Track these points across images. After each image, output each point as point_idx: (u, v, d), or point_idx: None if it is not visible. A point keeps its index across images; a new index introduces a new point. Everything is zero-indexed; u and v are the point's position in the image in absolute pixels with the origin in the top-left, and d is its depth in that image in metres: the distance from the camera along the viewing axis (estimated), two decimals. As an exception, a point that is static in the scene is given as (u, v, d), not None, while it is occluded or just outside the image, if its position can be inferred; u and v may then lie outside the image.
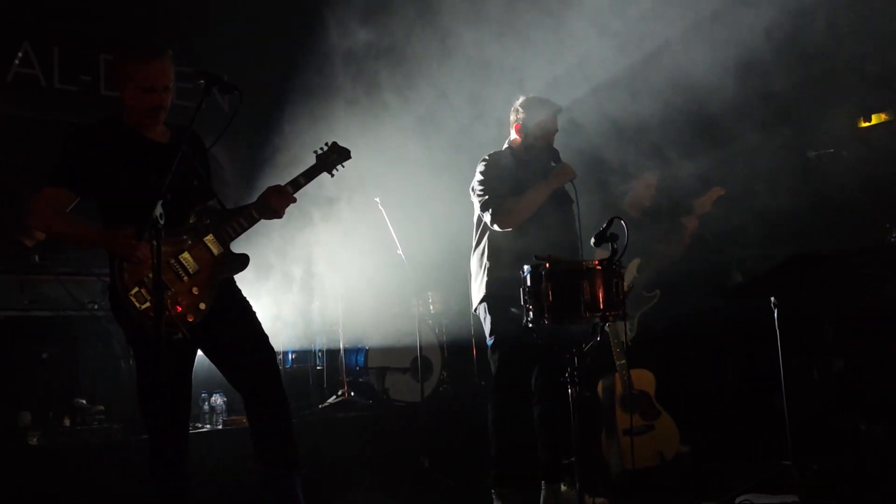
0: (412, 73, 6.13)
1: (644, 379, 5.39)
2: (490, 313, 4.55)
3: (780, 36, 5.58)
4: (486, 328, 4.60)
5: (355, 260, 6.73)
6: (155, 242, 3.05)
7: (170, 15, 7.19)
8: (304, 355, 7.01)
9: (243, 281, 3.90)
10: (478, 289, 4.64)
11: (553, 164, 4.60)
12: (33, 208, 3.55)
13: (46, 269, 5.50)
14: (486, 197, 4.49)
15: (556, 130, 4.70)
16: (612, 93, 5.73)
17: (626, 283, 5.63)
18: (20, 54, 6.80)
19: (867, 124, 6.62)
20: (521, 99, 4.70)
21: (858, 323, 5.85)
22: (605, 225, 3.68)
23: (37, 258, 5.54)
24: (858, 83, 6.35)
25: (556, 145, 4.69)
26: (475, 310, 4.70)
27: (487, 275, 4.56)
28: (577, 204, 4.51)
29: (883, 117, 6.58)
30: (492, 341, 4.57)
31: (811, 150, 5.59)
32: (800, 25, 5.48)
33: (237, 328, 3.74)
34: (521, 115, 4.67)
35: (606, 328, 4.34)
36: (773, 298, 4.35)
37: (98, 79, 7.11)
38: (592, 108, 5.64)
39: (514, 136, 4.74)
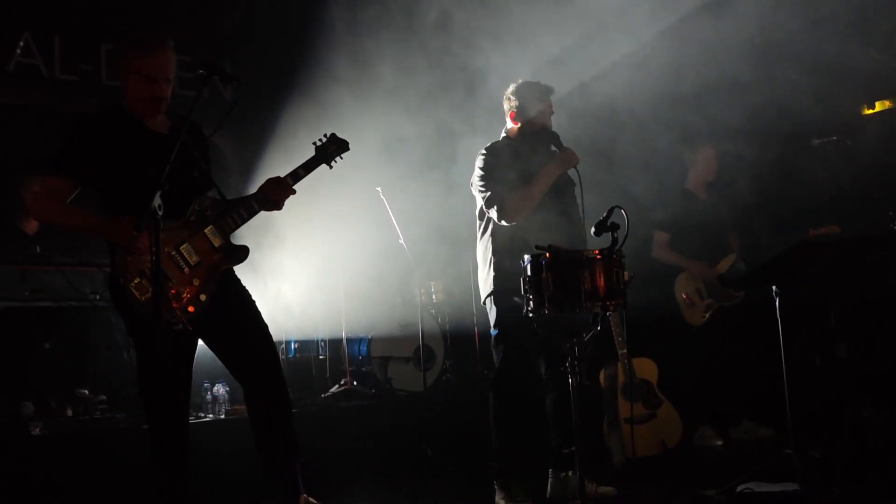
0: (414, 61, 6.11)
1: (646, 368, 5.39)
2: (496, 305, 4.53)
3: (785, 23, 5.56)
4: (491, 319, 4.58)
5: (358, 249, 6.72)
6: (154, 233, 3.05)
7: (171, 4, 7.17)
8: (306, 345, 7.02)
9: (244, 271, 3.90)
10: (485, 281, 4.60)
11: (554, 149, 4.54)
12: (34, 197, 3.57)
13: (48, 259, 5.50)
14: (489, 193, 4.42)
15: (552, 112, 4.62)
16: (613, 77, 5.74)
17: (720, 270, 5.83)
18: (21, 44, 6.79)
19: (871, 111, 6.60)
20: (512, 86, 4.61)
21: (862, 310, 5.85)
22: (605, 214, 3.66)
23: (38, 248, 5.54)
24: (863, 71, 6.32)
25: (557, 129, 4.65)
26: (483, 302, 4.68)
27: (494, 268, 4.52)
28: (581, 189, 4.47)
29: (887, 104, 6.56)
30: (496, 333, 4.54)
31: (815, 138, 5.58)
32: (804, 13, 5.46)
33: (237, 318, 3.75)
34: (514, 103, 4.59)
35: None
36: (774, 287, 4.32)
37: (99, 68, 7.09)
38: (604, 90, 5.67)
39: (510, 124, 4.66)
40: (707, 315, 5.91)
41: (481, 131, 5.19)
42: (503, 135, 4.70)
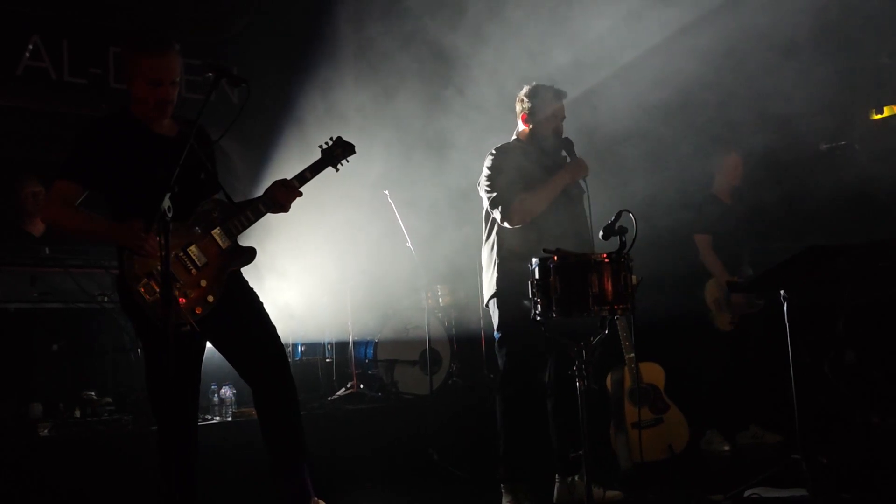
0: (422, 64, 6.11)
1: (653, 372, 5.38)
2: (499, 308, 4.52)
3: (793, 28, 5.55)
4: (495, 322, 4.57)
5: (365, 253, 6.73)
6: (163, 235, 3.05)
7: (180, 7, 7.19)
8: (313, 348, 7.02)
9: (251, 273, 3.90)
10: (488, 283, 4.60)
11: (566, 156, 4.51)
12: (44, 202, 3.57)
13: (57, 261, 5.50)
14: (495, 194, 4.41)
15: (564, 117, 4.60)
16: (620, 81, 5.74)
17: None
18: (30, 47, 6.82)
19: (880, 116, 6.58)
20: (526, 88, 4.60)
21: (870, 316, 5.83)
22: (613, 218, 3.66)
23: (47, 251, 5.55)
24: (871, 75, 6.31)
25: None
26: (486, 304, 4.67)
27: (497, 269, 4.51)
28: (589, 197, 4.46)
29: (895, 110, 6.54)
30: (500, 336, 4.53)
31: (824, 143, 5.57)
32: (813, 16, 5.45)
33: (245, 320, 3.75)
34: (527, 105, 4.57)
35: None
36: (782, 292, 4.31)
37: (107, 71, 7.12)
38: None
39: (521, 126, 4.64)
40: (735, 320, 5.91)
41: (485, 127, 5.20)
42: (514, 137, 4.68)
